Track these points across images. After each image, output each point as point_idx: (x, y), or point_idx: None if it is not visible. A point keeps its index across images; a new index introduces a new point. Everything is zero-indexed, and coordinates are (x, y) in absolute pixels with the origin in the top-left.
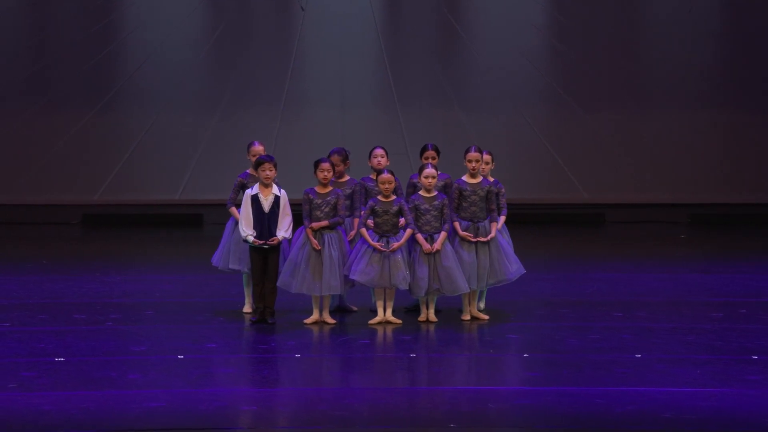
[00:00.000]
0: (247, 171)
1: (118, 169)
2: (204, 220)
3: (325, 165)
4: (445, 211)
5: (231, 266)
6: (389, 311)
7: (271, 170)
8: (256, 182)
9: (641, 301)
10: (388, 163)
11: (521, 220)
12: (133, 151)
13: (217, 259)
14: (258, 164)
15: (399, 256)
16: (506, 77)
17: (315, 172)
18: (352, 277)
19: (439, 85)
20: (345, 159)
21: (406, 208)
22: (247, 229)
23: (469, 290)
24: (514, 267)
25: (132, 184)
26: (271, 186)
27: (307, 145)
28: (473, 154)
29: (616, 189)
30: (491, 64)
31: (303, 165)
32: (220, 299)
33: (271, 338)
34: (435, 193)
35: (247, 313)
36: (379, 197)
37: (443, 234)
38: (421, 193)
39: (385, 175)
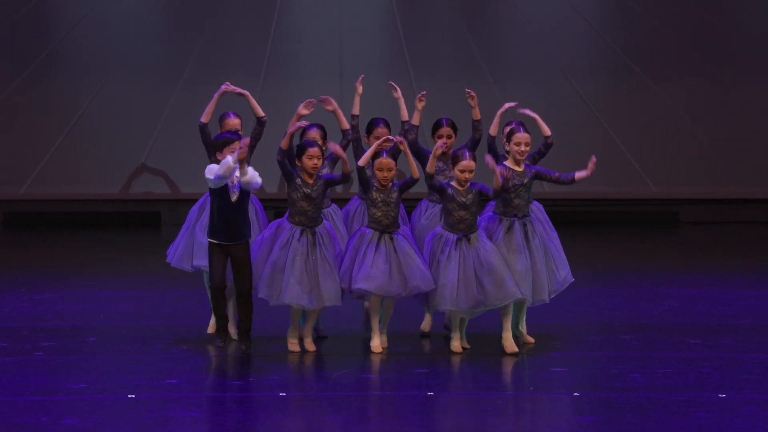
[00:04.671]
0: None
1: (51, 154)
2: (163, 221)
3: (314, 150)
4: (483, 192)
5: (195, 263)
6: (383, 329)
7: (241, 148)
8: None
9: (726, 324)
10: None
11: (572, 219)
12: (70, 131)
13: (173, 255)
14: (224, 143)
15: (415, 254)
16: (553, 38)
17: (300, 158)
18: (356, 286)
19: (465, 48)
20: (325, 136)
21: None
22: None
23: (522, 296)
24: (562, 274)
25: (69, 175)
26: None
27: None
28: (522, 135)
29: (693, 181)
30: (533, 20)
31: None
32: (183, 322)
33: (247, 372)
34: (467, 186)
35: (211, 333)
36: (377, 185)
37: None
38: (453, 184)
39: (385, 159)
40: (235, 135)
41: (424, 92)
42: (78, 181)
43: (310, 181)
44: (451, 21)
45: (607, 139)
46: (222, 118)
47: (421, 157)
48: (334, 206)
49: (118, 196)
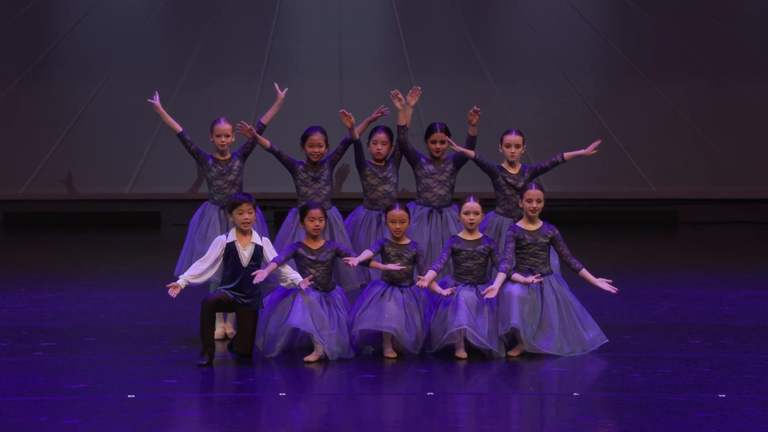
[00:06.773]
0: (212, 155)
1: (50, 155)
2: (162, 221)
3: (316, 212)
4: (494, 258)
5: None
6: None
7: (250, 213)
8: (217, 164)
9: (726, 324)
10: (391, 151)
11: (572, 219)
12: (69, 132)
13: (179, 271)
14: (232, 205)
15: (418, 313)
16: (553, 38)
17: (302, 220)
18: (358, 328)
19: (465, 48)
20: (326, 139)
21: (421, 261)
22: (192, 270)
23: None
24: (591, 334)
25: (69, 175)
26: (251, 233)
27: (294, 125)
28: (534, 192)
29: (693, 180)
30: (533, 20)
31: (288, 148)
32: (182, 322)
33: (248, 372)
34: (480, 235)
35: (218, 339)
36: (390, 238)
37: (501, 276)
38: (460, 234)
39: (397, 211)
40: (244, 196)
41: (397, 90)
42: (77, 182)
43: (315, 247)
44: (451, 21)
45: (607, 139)
46: (213, 125)
47: (412, 158)
48: (334, 209)
49: (118, 196)
